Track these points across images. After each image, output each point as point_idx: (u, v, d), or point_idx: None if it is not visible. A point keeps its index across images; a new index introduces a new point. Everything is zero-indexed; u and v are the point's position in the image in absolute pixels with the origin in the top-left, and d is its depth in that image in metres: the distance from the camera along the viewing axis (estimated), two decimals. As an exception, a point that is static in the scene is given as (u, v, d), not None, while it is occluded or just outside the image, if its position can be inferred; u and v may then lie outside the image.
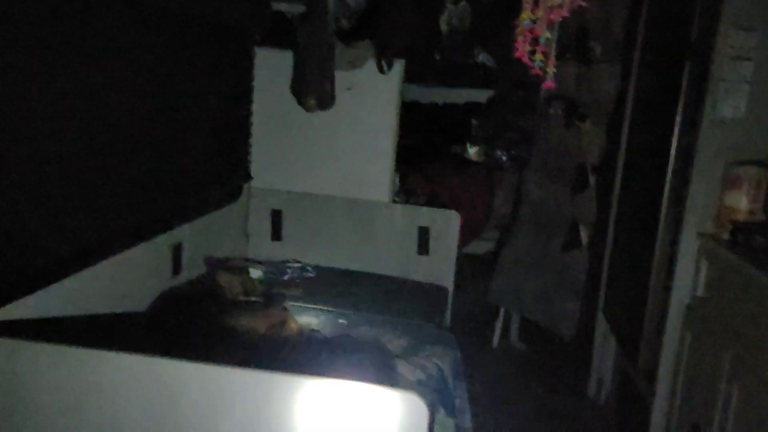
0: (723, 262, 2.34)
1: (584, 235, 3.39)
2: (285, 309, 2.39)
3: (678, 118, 2.47)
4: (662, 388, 2.63)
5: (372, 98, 3.30)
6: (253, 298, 2.53)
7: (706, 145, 2.42)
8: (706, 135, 2.41)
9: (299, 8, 3.09)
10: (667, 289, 2.60)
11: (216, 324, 2.24)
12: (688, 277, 2.53)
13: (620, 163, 3.22)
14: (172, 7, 2.42)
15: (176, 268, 2.74)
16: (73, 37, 1.94)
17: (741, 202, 2.35)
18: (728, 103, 2.34)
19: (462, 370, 2.63)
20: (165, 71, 2.49)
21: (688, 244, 2.51)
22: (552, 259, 3.59)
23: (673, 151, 2.51)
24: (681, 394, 2.52)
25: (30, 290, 1.86)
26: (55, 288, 1.96)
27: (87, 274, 2.12)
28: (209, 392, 1.41)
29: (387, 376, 2.16)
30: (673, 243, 2.56)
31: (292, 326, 2.33)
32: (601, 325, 3.41)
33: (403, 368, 2.29)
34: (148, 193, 2.47)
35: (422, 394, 1.37)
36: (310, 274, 3.29)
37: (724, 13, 2.30)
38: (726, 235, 2.37)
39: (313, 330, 2.53)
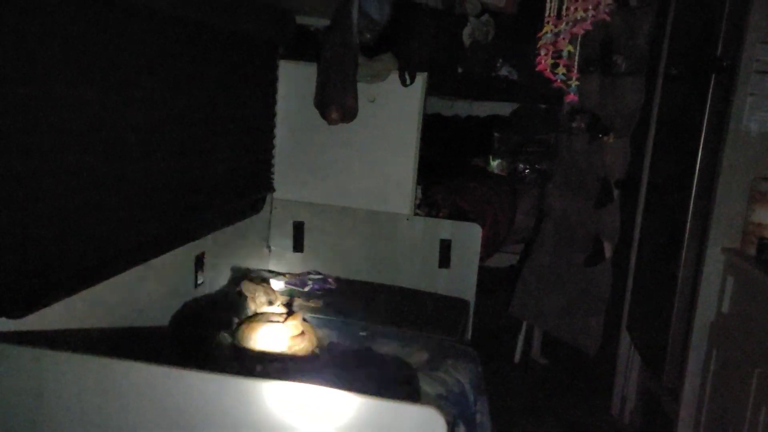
0: (749, 278, 2.29)
1: (608, 249, 3.35)
2: (305, 321, 2.40)
3: (703, 132, 2.44)
4: (687, 406, 2.58)
5: (394, 111, 3.32)
6: (275, 309, 2.54)
7: (731, 160, 2.39)
8: (731, 150, 2.38)
9: (323, 21, 3.13)
10: (692, 304, 2.55)
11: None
12: (713, 293, 2.49)
13: (644, 177, 3.19)
14: (199, 20, 2.46)
15: (199, 278, 2.77)
16: (104, 51, 1.98)
17: (768, 218, 2.31)
18: (755, 117, 2.31)
19: (483, 384, 2.61)
20: (192, 83, 2.53)
21: (714, 260, 2.47)
22: (575, 274, 3.55)
23: (698, 165, 2.49)
24: (707, 412, 2.47)
25: (56, 298, 1.89)
26: (80, 296, 1.99)
27: (112, 283, 2.15)
28: (230, 402, 1.42)
29: (406, 391, 2.15)
30: (699, 258, 2.53)
31: (313, 338, 2.33)
32: (625, 342, 3.36)
33: (423, 382, 2.29)
34: (172, 203, 2.50)
35: (442, 409, 1.36)
36: (331, 286, 3.30)
37: (749, 27, 2.28)
38: (753, 251, 2.33)
39: (333, 342, 2.54)
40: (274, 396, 1.40)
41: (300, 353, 2.25)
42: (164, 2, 2.19)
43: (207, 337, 2.26)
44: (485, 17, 3.57)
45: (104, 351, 1.51)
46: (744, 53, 2.30)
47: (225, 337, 2.26)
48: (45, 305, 1.84)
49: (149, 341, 2.39)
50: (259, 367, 2.08)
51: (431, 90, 3.39)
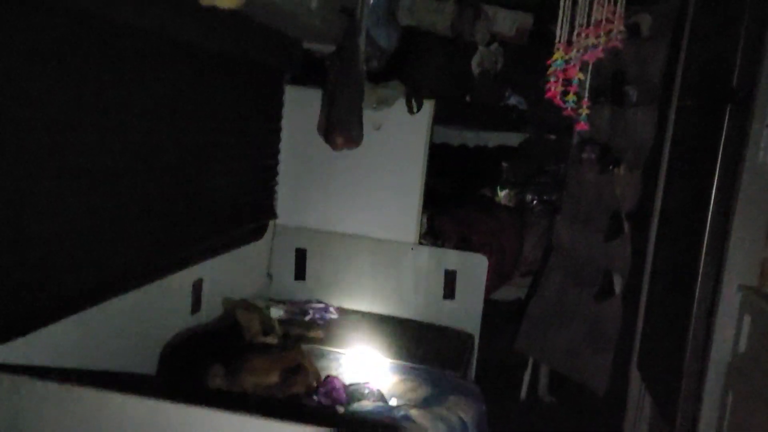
0: (767, 317, 2.19)
1: (618, 284, 3.26)
2: (304, 353, 2.31)
3: (718, 165, 2.37)
4: (701, 452, 2.46)
5: (401, 138, 3.27)
6: (271, 340, 2.45)
7: (747, 194, 2.31)
8: (747, 183, 2.30)
9: (330, 47, 3.10)
10: (707, 344, 2.45)
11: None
12: (729, 332, 2.38)
13: (656, 211, 3.11)
14: (204, 45, 2.43)
15: (196, 305, 2.70)
16: (105, 75, 1.95)
17: (787, 255, 2.23)
18: (772, 151, 2.24)
19: (486, 423, 2.50)
20: (195, 107, 2.49)
21: (730, 298, 2.37)
22: (583, 309, 3.45)
23: (713, 199, 2.40)
24: (722, 459, 2.35)
25: (43, 323, 1.82)
26: (69, 321, 1.92)
27: (104, 308, 2.08)
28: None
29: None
30: (714, 295, 2.43)
31: (309, 371, 2.24)
32: (636, 381, 3.24)
33: (423, 420, 2.18)
34: (171, 227, 2.44)
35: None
36: (333, 316, 3.22)
37: (766, 58, 2.22)
38: (771, 290, 2.23)
39: (330, 376, 2.44)
40: (262, 433, 1.32)
41: (296, 386, 2.16)
42: (169, 27, 2.16)
43: (200, 368, 2.18)
44: (494, 46, 3.54)
45: (92, 380, 1.44)
46: (760, 84, 2.24)
47: (219, 368, 2.18)
48: (31, 330, 1.77)
49: (141, 370, 2.30)
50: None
51: (439, 119, 3.34)
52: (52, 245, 1.83)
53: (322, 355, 2.70)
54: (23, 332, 1.74)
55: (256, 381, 2.11)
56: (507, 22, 3.59)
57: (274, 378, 2.11)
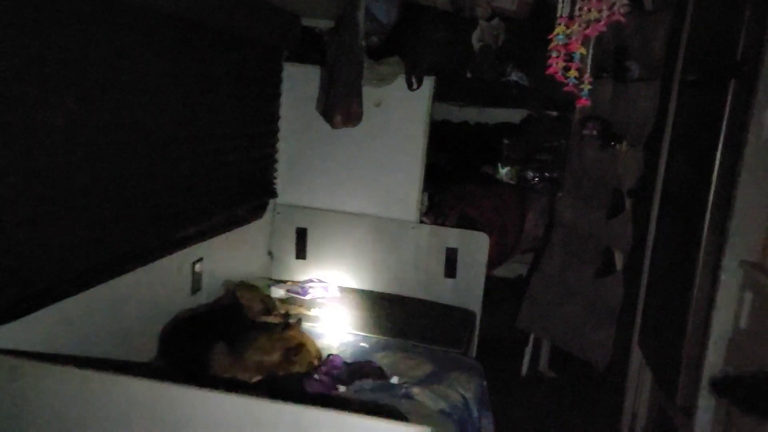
0: (769, 293, 2.19)
1: (619, 261, 3.25)
2: (304, 331, 2.31)
3: (721, 140, 2.34)
4: (701, 427, 2.47)
5: (401, 115, 3.24)
6: (272, 319, 2.46)
7: (751, 168, 2.28)
8: (751, 157, 2.27)
9: (329, 23, 3.06)
10: (708, 320, 2.45)
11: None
12: (730, 308, 2.37)
13: (658, 187, 3.09)
14: (201, 21, 2.39)
15: (196, 285, 2.70)
16: (102, 50, 1.92)
17: (790, 231, 2.21)
18: (776, 124, 2.21)
19: (488, 399, 2.52)
20: (193, 84, 2.46)
21: (731, 274, 2.36)
22: (585, 286, 3.45)
23: (715, 174, 2.38)
24: (722, 433, 2.36)
25: (41, 304, 1.82)
26: (68, 303, 1.92)
27: (104, 288, 2.08)
28: (215, 420, 1.34)
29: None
30: (715, 271, 2.42)
31: (311, 350, 2.25)
32: (636, 356, 3.25)
33: (425, 396, 2.19)
34: (170, 207, 2.43)
35: (444, 425, 1.28)
36: (334, 295, 3.22)
37: (772, 31, 2.18)
38: (773, 265, 2.22)
39: (332, 354, 2.45)
40: (264, 415, 1.32)
41: (297, 365, 2.17)
42: (167, 3, 2.13)
43: (202, 348, 2.18)
44: (495, 21, 3.49)
45: (91, 361, 1.44)
46: (765, 59, 2.20)
47: (222, 347, 2.18)
48: (28, 313, 1.77)
49: (141, 350, 2.31)
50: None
51: (439, 95, 3.31)
52: (49, 225, 1.82)
53: (323, 334, 2.71)
54: (20, 315, 1.74)
55: (258, 359, 2.11)
56: (508, -4, 3.53)
57: (275, 356, 2.12)
